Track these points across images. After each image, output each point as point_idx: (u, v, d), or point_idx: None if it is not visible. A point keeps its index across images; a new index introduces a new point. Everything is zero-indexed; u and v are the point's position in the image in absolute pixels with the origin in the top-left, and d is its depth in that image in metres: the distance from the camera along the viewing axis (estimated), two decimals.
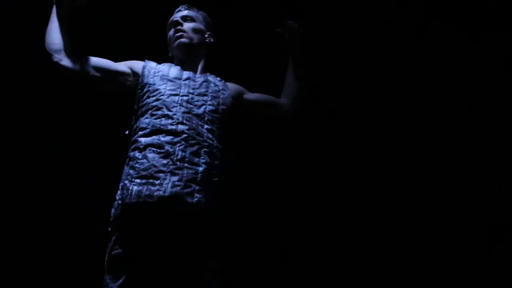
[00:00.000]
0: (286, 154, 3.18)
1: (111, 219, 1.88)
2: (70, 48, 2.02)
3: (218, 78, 2.18)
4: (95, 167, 2.94)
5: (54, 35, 2.02)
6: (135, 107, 2.04)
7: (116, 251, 1.80)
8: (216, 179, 1.90)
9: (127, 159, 1.95)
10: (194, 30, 2.20)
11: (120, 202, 1.86)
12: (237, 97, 2.16)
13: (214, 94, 2.06)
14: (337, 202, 3.11)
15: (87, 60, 2.03)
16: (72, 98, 2.94)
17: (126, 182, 1.85)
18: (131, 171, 1.86)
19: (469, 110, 3.07)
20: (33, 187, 2.96)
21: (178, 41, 2.17)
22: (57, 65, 1.98)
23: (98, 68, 2.04)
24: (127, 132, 2.04)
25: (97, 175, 2.85)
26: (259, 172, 3.07)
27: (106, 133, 2.83)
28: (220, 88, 2.11)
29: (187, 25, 2.21)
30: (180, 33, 2.17)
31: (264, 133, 3.00)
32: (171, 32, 2.23)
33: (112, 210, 1.90)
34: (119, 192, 1.90)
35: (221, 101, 2.06)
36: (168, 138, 1.89)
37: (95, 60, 2.05)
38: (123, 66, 2.10)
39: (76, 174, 2.96)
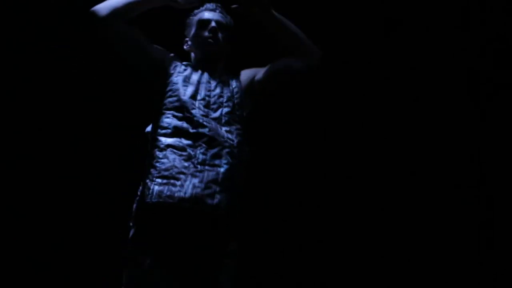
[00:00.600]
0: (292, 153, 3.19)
1: (133, 214, 1.94)
2: (125, 22, 2.01)
3: (232, 75, 2.17)
4: (114, 163, 2.98)
5: (128, 6, 1.99)
6: (156, 103, 2.05)
7: (135, 246, 1.86)
8: (238, 178, 1.94)
9: (147, 155, 1.99)
10: (226, 41, 2.15)
11: (140, 199, 1.91)
12: (250, 87, 2.15)
13: (230, 94, 2.07)
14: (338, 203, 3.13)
15: (133, 30, 2.03)
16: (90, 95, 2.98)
17: (147, 180, 1.89)
18: (152, 170, 1.90)
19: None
20: (44, 184, 3.00)
21: (210, 47, 2.11)
22: (107, 19, 1.95)
23: (138, 43, 2.03)
24: (148, 129, 2.06)
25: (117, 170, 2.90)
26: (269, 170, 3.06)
27: (125, 128, 2.88)
28: (234, 86, 2.12)
29: (220, 34, 2.13)
30: (215, 40, 2.11)
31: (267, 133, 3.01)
32: (204, 33, 2.12)
33: (134, 206, 1.95)
34: (140, 188, 1.95)
35: (236, 101, 2.07)
36: (189, 141, 1.92)
37: (139, 34, 2.05)
38: (159, 51, 2.10)
39: (96, 169, 2.99)
